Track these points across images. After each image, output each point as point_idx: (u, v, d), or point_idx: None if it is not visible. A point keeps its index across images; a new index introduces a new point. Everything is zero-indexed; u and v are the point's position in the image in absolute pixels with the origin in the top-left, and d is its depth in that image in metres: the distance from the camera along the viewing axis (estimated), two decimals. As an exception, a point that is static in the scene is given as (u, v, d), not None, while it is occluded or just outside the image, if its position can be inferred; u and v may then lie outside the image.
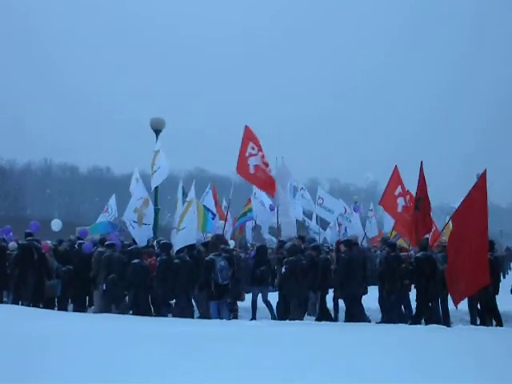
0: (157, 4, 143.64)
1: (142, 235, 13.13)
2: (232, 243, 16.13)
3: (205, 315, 11.60)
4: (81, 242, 13.52)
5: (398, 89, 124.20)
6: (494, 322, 10.96)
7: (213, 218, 17.66)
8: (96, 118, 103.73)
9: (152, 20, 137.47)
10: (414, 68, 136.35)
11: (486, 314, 10.99)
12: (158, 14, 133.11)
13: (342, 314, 11.97)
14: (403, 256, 11.65)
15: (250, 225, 22.37)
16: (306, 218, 22.98)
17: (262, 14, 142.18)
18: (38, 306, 11.91)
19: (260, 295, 12.80)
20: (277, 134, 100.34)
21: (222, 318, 10.95)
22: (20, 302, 12.15)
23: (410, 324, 10.36)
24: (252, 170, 13.80)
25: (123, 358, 6.02)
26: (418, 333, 8.74)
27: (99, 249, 12.53)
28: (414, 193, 12.44)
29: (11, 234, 14.68)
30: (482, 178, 10.19)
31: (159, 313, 11.63)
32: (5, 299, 12.98)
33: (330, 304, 12.39)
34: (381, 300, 11.55)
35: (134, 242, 13.18)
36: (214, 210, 18.47)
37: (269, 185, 13.98)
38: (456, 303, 10.43)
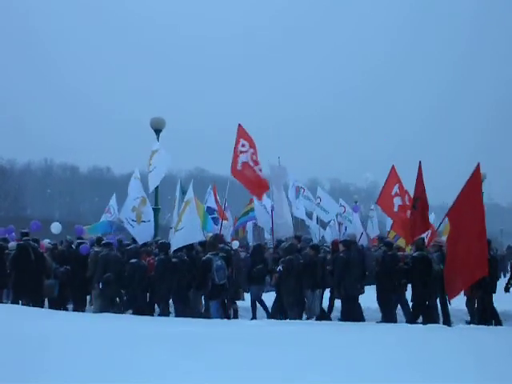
0: (157, 4, 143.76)
1: (142, 233, 13.11)
2: (236, 244, 16.12)
3: (202, 315, 11.63)
4: (79, 241, 13.49)
5: (397, 89, 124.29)
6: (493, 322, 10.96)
7: (216, 219, 17.69)
8: (96, 117, 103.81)
9: (152, 20, 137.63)
10: (413, 68, 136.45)
11: (485, 313, 10.99)
12: (158, 14, 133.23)
13: (336, 314, 11.96)
14: (400, 255, 11.66)
15: (250, 225, 22.41)
16: (306, 218, 23.05)
17: (261, 14, 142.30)
18: (38, 306, 11.90)
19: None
20: (277, 134, 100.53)
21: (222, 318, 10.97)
22: (20, 302, 12.16)
23: (407, 323, 10.41)
24: (239, 167, 13.78)
25: (123, 358, 6.02)
26: (418, 332, 8.74)
27: (96, 248, 12.54)
28: (412, 192, 12.44)
29: (14, 234, 14.72)
30: (476, 172, 10.27)
31: (158, 312, 11.64)
32: (4, 300, 12.98)
33: (325, 303, 12.37)
34: (379, 299, 11.54)
35: (134, 242, 13.19)
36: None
37: (255, 184, 13.86)
38: (451, 297, 10.45)
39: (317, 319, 11.64)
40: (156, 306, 12.01)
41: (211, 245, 11.72)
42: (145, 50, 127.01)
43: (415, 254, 10.89)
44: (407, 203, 13.68)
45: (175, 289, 11.42)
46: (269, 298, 12.59)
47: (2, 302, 12.76)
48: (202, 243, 12.14)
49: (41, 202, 73.82)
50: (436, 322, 10.53)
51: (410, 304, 11.07)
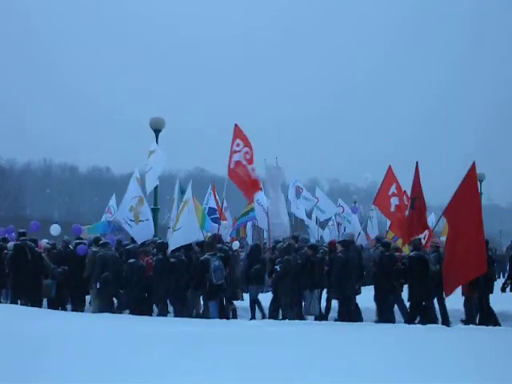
0: (157, 4, 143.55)
1: (140, 232, 13.09)
2: (236, 244, 16.13)
3: (199, 315, 11.63)
4: (77, 242, 13.48)
5: (397, 89, 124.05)
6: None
7: (217, 219, 17.68)
8: (96, 117, 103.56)
9: (152, 20, 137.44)
10: (413, 68, 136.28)
11: (483, 314, 11.00)
12: (158, 14, 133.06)
13: (333, 315, 11.95)
14: (397, 256, 11.67)
15: (250, 225, 22.41)
16: (306, 218, 23.10)
17: (261, 14, 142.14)
18: (36, 306, 11.88)
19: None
20: (276, 134, 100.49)
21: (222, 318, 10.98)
22: (19, 302, 12.15)
23: (405, 323, 10.43)
24: (232, 165, 13.80)
25: (123, 358, 6.03)
26: (417, 332, 8.75)
27: (93, 248, 12.54)
28: (409, 192, 12.46)
29: (13, 234, 14.71)
30: (471, 170, 10.31)
31: (157, 312, 11.64)
32: (3, 300, 12.97)
33: (323, 304, 12.34)
34: (377, 300, 11.55)
35: (133, 241, 13.18)
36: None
37: (248, 185, 13.85)
38: (448, 293, 10.47)
39: (315, 319, 11.64)
40: (154, 306, 12.00)
41: (209, 245, 11.73)
42: (145, 50, 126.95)
43: (412, 254, 10.93)
44: (405, 203, 13.71)
45: (173, 289, 11.42)
46: (267, 298, 12.58)
47: (1, 302, 12.76)
48: (199, 243, 12.13)
49: (40, 201, 73.73)
50: (434, 321, 10.55)
51: (407, 304, 11.09)
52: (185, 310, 11.52)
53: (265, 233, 21.41)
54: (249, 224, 22.09)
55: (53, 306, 12.63)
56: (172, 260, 11.52)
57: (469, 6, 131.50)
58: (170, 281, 11.31)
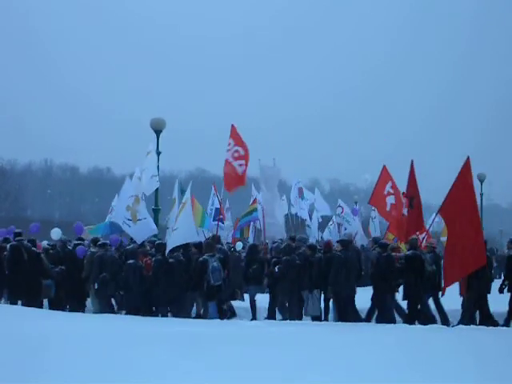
0: (157, 4, 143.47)
1: (139, 232, 13.06)
2: (240, 245, 16.12)
3: (200, 315, 11.63)
4: (76, 243, 13.49)
5: (397, 89, 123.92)
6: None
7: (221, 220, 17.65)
8: (96, 118, 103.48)
9: (152, 20, 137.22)
10: (413, 68, 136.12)
11: (482, 315, 10.99)
12: (158, 14, 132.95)
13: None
14: (394, 256, 11.67)
15: (252, 225, 22.39)
16: (309, 218, 23.11)
17: (261, 14, 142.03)
18: (36, 306, 11.85)
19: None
20: (277, 134, 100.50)
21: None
22: (20, 303, 12.13)
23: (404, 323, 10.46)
24: (224, 164, 13.94)
25: (123, 358, 6.03)
26: (418, 333, 8.76)
27: (91, 249, 12.53)
28: (405, 191, 12.43)
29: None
30: (466, 165, 10.37)
31: (156, 313, 11.63)
32: (2, 300, 12.94)
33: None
34: (375, 300, 11.55)
35: (134, 242, 13.17)
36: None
37: (232, 179, 13.93)
38: (447, 285, 10.50)
39: (314, 320, 11.62)
40: (153, 306, 11.98)
41: (209, 245, 11.74)
42: (145, 50, 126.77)
43: (409, 253, 11.00)
44: (403, 201, 13.69)
45: (172, 289, 11.41)
46: (264, 298, 12.56)
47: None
48: (196, 244, 12.12)
49: (41, 202, 73.73)
50: (430, 319, 10.61)
51: (402, 303, 11.14)
52: (184, 310, 11.53)
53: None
54: (252, 224, 22.10)
55: (53, 306, 12.63)
56: (171, 260, 11.52)
57: (469, 6, 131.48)
58: (169, 281, 11.31)
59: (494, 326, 10.56)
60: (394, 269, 11.13)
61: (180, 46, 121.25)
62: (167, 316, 11.65)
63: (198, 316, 11.82)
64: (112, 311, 11.92)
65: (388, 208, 14.92)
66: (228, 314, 12.00)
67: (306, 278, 11.48)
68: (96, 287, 11.89)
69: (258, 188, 16.64)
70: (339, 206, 21.70)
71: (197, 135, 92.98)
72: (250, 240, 22.66)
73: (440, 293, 11.26)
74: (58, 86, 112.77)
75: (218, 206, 18.49)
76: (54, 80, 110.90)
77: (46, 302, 12.86)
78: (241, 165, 13.73)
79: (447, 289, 10.58)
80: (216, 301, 11.22)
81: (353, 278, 11.28)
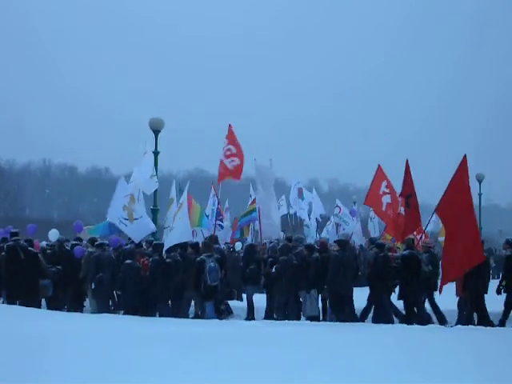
0: (157, 4, 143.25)
1: (136, 231, 13.04)
2: (239, 245, 16.11)
3: (199, 315, 11.63)
4: (74, 243, 13.46)
5: (397, 89, 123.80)
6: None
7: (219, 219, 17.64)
8: (96, 118, 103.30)
9: (152, 20, 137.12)
10: (414, 68, 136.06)
11: (477, 314, 11.01)
12: (158, 14, 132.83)
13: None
14: (391, 256, 11.69)
15: (252, 225, 22.40)
16: (308, 219, 23.13)
17: (261, 14, 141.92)
18: (33, 306, 11.84)
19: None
20: (277, 133, 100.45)
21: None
22: (18, 302, 12.11)
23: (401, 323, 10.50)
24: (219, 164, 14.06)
25: (123, 358, 6.04)
26: (417, 333, 8.76)
27: (89, 249, 12.52)
28: (400, 191, 12.44)
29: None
30: (463, 163, 10.39)
31: (154, 313, 11.62)
32: (1, 300, 12.94)
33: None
34: (372, 300, 11.56)
35: (132, 242, 13.15)
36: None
37: (223, 173, 14.03)
38: (444, 283, 10.52)
39: (312, 320, 11.61)
40: (152, 306, 11.96)
41: (206, 246, 11.75)
42: (145, 50, 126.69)
43: (405, 253, 11.02)
44: (399, 199, 13.71)
45: (169, 289, 11.41)
46: (262, 298, 12.56)
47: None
48: (193, 245, 12.11)
49: (40, 202, 73.68)
50: (425, 320, 10.70)
51: (397, 302, 11.15)
52: (182, 310, 11.53)
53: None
54: (251, 225, 22.10)
55: (52, 306, 12.61)
56: (168, 261, 11.53)
57: (469, 6, 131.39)
58: (167, 281, 11.31)
59: (490, 326, 10.58)
60: (390, 269, 11.16)
61: (180, 46, 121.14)
62: (165, 315, 11.64)
63: (197, 316, 11.82)
64: (110, 311, 11.91)
65: (384, 208, 14.95)
66: (225, 313, 12.02)
67: (303, 278, 11.47)
68: (93, 287, 11.88)
69: (255, 188, 16.62)
70: (337, 206, 21.71)
71: (196, 135, 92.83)
72: (249, 240, 22.68)
73: (435, 293, 11.33)
74: (57, 85, 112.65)
75: (219, 206, 18.47)
76: (54, 80, 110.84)
77: (43, 301, 12.86)
78: (232, 161, 13.78)
79: (444, 290, 10.59)
80: (213, 301, 11.23)
81: (350, 278, 11.28)
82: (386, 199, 14.88)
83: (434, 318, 11.44)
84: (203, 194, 21.03)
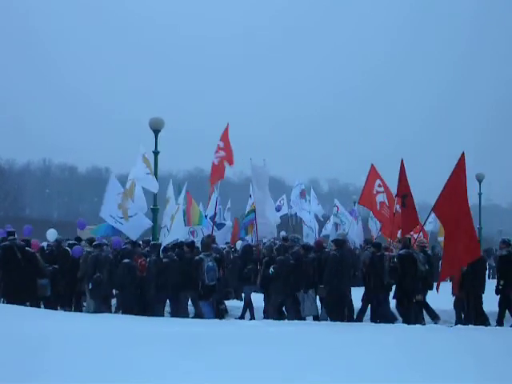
0: (157, 4, 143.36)
1: (132, 229, 13.05)
2: (239, 244, 16.10)
3: (198, 315, 11.63)
4: (71, 243, 13.40)
5: (397, 89, 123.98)
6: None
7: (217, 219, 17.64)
8: (96, 118, 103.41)
9: (152, 20, 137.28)
10: (413, 68, 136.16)
11: (473, 313, 11.01)
12: (158, 14, 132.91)
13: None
14: (387, 256, 11.69)
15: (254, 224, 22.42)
16: (307, 219, 23.12)
17: (261, 14, 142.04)
18: (33, 306, 11.82)
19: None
20: (277, 133, 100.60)
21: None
22: (16, 302, 12.09)
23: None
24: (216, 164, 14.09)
25: (123, 358, 6.03)
26: (417, 332, 8.76)
27: (87, 249, 12.50)
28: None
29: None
30: (461, 161, 10.40)
31: (152, 313, 11.61)
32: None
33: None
34: (368, 300, 11.56)
35: (129, 241, 13.15)
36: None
37: (213, 171, 14.08)
38: (442, 279, 10.57)
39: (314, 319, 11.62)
40: (148, 306, 11.96)
41: (205, 245, 11.75)
42: (145, 50, 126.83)
43: (401, 252, 11.02)
44: (394, 198, 13.72)
45: (167, 289, 11.41)
46: (260, 298, 12.54)
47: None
48: (188, 244, 12.11)
49: (40, 202, 73.78)
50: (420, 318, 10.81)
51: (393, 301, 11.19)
52: (181, 310, 11.52)
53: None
54: (254, 224, 22.13)
55: (49, 305, 12.59)
56: (165, 260, 11.53)
57: (469, 6, 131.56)
58: (164, 281, 11.30)
59: (484, 325, 10.61)
60: (386, 268, 11.17)
61: (180, 46, 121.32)
62: (163, 315, 11.63)
63: (197, 316, 11.81)
64: (110, 311, 11.90)
65: (378, 207, 14.96)
66: (223, 313, 12.02)
67: (299, 277, 11.45)
68: (90, 287, 11.88)
69: (253, 188, 16.62)
70: (335, 205, 21.75)
71: (196, 135, 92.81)
72: (249, 240, 22.69)
73: (429, 292, 11.40)
74: (57, 85, 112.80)
75: (220, 206, 18.51)
76: (54, 80, 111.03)
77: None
78: (220, 156, 13.79)
79: (441, 289, 10.60)
80: (210, 300, 11.22)
81: (347, 278, 11.27)
82: (380, 198, 14.91)
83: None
84: (203, 194, 21.08)
